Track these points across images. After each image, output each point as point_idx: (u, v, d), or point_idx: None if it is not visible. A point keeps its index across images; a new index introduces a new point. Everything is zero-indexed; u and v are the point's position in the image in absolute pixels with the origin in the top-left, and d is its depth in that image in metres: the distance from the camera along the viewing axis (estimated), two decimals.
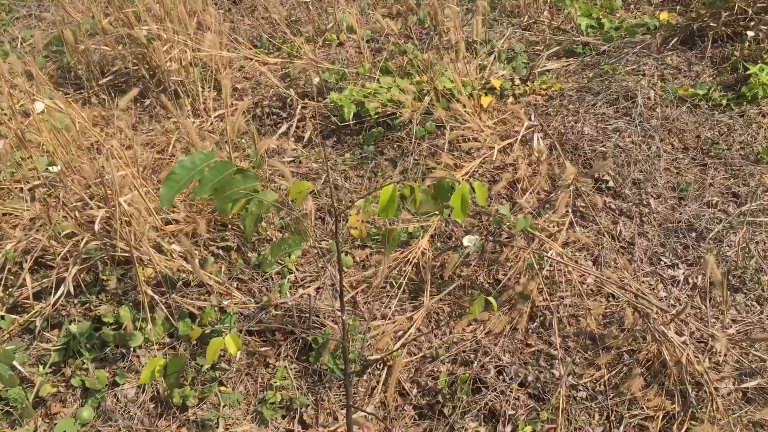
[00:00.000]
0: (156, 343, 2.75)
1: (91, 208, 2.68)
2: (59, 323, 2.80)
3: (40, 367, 2.66)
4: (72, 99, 4.01)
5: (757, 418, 2.51)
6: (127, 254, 2.73)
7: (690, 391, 2.56)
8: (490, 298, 1.71)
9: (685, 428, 2.48)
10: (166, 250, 2.87)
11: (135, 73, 4.20)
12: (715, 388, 2.56)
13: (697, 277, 3.00)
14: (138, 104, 4.14)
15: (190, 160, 1.49)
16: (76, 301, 2.84)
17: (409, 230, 3.18)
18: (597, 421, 2.56)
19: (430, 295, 2.97)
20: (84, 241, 2.68)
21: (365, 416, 2.57)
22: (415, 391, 2.69)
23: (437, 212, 3.19)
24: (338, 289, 1.75)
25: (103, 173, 2.56)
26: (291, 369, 2.73)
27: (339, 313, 1.89)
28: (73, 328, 2.69)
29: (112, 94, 4.13)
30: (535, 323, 2.87)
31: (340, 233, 3.23)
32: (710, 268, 2.33)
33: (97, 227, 2.57)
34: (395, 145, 3.70)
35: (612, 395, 2.61)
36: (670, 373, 2.63)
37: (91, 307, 2.82)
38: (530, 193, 3.38)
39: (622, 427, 2.53)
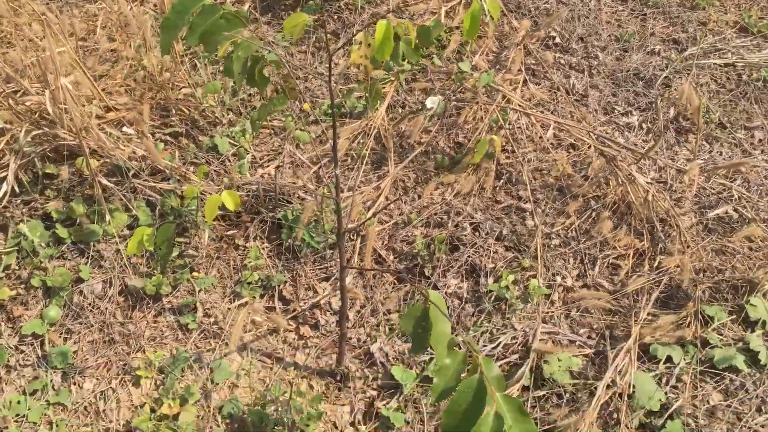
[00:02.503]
0: (116, 236, 2.60)
1: (25, 94, 2.44)
2: (4, 225, 2.60)
3: None
4: None
5: (719, 245, 2.63)
6: (72, 143, 2.53)
7: (657, 226, 2.65)
8: (494, 136, 1.66)
9: (657, 262, 2.58)
10: (111, 136, 2.67)
11: None
12: (680, 222, 2.65)
13: (650, 122, 3.06)
14: None
15: (180, 3, 1.35)
16: (19, 201, 2.64)
17: (363, 102, 3.08)
18: (573, 265, 2.63)
19: (394, 164, 2.92)
20: (24, 131, 2.45)
21: (353, 282, 2.54)
22: (392, 257, 2.68)
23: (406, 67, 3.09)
24: (332, 142, 1.65)
25: (37, 52, 2.32)
26: (263, 249, 2.66)
27: (331, 172, 1.81)
28: (23, 228, 2.50)
29: None
30: (502, 180, 2.88)
31: (295, 109, 3.10)
32: (686, 95, 2.36)
33: (50, 107, 2.33)
34: (335, 17, 3.53)
35: (584, 240, 2.68)
36: (635, 212, 2.70)
37: (37, 206, 2.63)
38: (480, 54, 3.32)
39: (597, 268, 2.61)
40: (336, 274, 2.61)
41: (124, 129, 2.60)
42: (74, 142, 2.50)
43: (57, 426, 2.21)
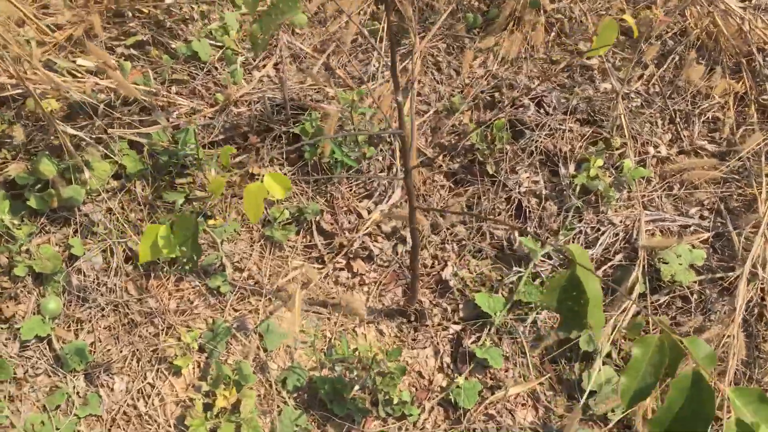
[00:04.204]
0: (103, 191, 2.09)
1: None
2: None
3: None
4: None
5: None
6: (17, 90, 1.95)
7: (758, 59, 2.15)
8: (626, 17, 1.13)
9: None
10: (59, 68, 2.07)
11: None
12: None
13: None
14: None
15: None
16: None
17: None
18: (663, 128, 2.15)
19: (419, 35, 2.35)
20: None
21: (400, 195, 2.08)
22: (441, 156, 2.19)
23: None
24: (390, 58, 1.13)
25: None
26: (285, 175, 2.16)
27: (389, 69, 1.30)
28: None
29: None
30: (552, 34, 2.33)
31: None
32: None
33: None
34: None
35: (669, 93, 2.18)
36: (725, 47, 2.19)
37: None
38: None
39: (694, 127, 2.14)
40: (379, 189, 2.14)
41: (79, 62, 2.00)
42: (20, 89, 1.92)
43: None
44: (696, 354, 1.04)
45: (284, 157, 2.17)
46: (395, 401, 1.83)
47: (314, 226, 2.11)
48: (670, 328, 1.06)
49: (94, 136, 2.07)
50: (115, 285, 2.02)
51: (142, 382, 1.90)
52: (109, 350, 1.95)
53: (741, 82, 2.17)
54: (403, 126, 1.35)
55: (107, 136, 2.08)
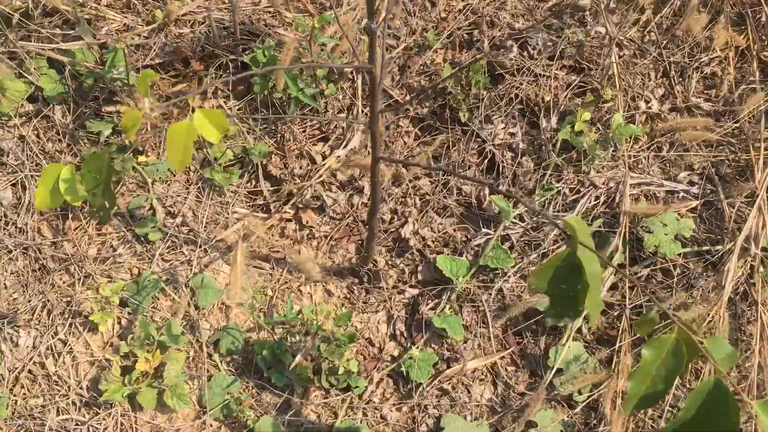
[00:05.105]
0: (16, 116, 1.80)
1: None
2: None
3: None
4: None
5: None
6: None
7: (766, 9, 1.93)
8: None
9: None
10: None
11: None
12: None
13: None
14: None
15: None
16: None
17: None
18: (655, 81, 1.94)
19: None
20: None
21: (361, 140, 1.84)
22: (408, 98, 1.95)
23: None
24: None
25: None
26: (230, 109, 1.90)
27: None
28: None
29: None
30: None
31: None
32: None
33: None
34: None
35: (665, 42, 1.96)
36: None
37: None
38: None
39: (690, 82, 1.92)
40: (336, 132, 1.89)
41: None
42: None
43: None
44: (716, 356, 0.85)
45: (230, 88, 1.90)
46: (340, 371, 1.63)
47: (261, 170, 1.86)
48: (689, 327, 0.86)
49: (6, 50, 1.78)
50: (26, 225, 1.76)
51: (53, 337, 1.67)
52: (15, 299, 1.71)
53: (744, 35, 1.95)
54: (373, 61, 1.10)
55: (23, 51, 1.79)
